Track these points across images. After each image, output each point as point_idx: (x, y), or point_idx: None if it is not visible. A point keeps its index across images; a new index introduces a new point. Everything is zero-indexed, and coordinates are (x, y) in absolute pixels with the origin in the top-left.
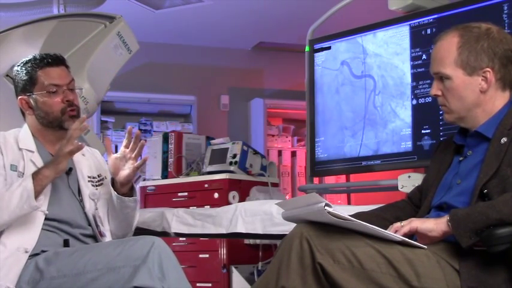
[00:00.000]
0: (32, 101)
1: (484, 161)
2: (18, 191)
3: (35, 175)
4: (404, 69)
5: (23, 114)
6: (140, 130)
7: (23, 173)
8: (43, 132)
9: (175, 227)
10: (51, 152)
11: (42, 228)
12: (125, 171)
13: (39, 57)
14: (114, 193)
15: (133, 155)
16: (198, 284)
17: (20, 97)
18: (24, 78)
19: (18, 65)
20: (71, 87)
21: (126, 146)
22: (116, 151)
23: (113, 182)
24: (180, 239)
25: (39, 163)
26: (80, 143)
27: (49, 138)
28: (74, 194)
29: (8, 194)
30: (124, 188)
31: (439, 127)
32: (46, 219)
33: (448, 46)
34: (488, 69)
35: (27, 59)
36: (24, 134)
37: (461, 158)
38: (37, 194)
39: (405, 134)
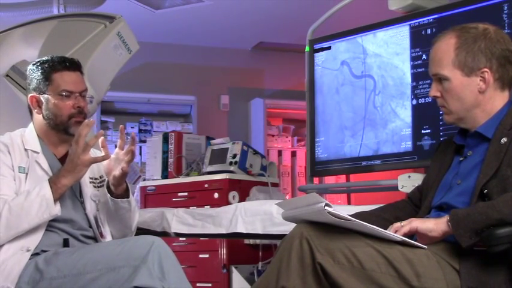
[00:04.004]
0: (43, 100)
1: (484, 161)
2: (37, 200)
3: (52, 183)
4: (404, 69)
5: (30, 112)
6: (140, 130)
7: (28, 173)
8: (48, 133)
9: (175, 227)
10: (54, 153)
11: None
12: (115, 173)
13: (58, 60)
14: (107, 195)
15: (126, 159)
16: (198, 284)
17: (31, 95)
18: (40, 77)
19: (34, 64)
20: (84, 94)
21: (120, 147)
22: None
23: (108, 184)
24: (180, 239)
25: (44, 164)
26: (107, 154)
27: (53, 139)
28: (76, 195)
29: (26, 203)
30: (118, 189)
31: (439, 127)
32: None
33: (446, 47)
34: (486, 69)
35: (45, 59)
36: (29, 134)
37: (461, 158)
38: (55, 202)
39: (405, 134)
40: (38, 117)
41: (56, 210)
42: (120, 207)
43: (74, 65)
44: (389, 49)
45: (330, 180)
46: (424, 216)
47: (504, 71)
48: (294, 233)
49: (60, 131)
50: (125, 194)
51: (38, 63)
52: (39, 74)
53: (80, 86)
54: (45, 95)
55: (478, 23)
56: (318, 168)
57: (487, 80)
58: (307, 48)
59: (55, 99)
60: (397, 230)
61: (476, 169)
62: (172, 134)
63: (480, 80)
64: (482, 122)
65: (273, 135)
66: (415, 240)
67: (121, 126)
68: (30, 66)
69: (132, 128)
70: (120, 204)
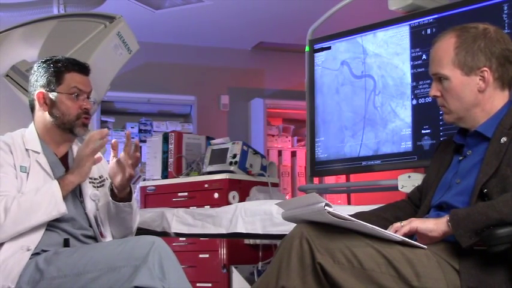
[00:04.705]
0: (52, 98)
1: (483, 161)
2: (47, 197)
3: (60, 181)
4: (404, 69)
5: (32, 110)
6: (140, 130)
7: (29, 173)
8: (51, 132)
9: (175, 227)
10: (55, 152)
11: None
12: (120, 178)
13: (72, 61)
14: (109, 198)
15: (130, 163)
16: (198, 284)
17: (39, 91)
18: (52, 75)
19: (44, 62)
20: (89, 95)
21: (126, 153)
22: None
23: (111, 187)
24: (180, 239)
25: (45, 164)
26: (99, 156)
27: (55, 138)
28: (76, 195)
29: (36, 198)
30: (122, 193)
31: (439, 127)
32: None
33: (446, 47)
34: (485, 68)
35: (58, 58)
36: (30, 135)
37: (461, 158)
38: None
39: (405, 134)
40: (42, 115)
41: (64, 208)
42: (122, 210)
43: (85, 69)
44: (390, 49)
45: (330, 180)
46: (423, 215)
47: (504, 71)
48: (294, 233)
49: (66, 129)
50: (128, 197)
51: (50, 62)
52: (51, 71)
53: (88, 87)
54: (55, 93)
55: (478, 23)
56: (318, 168)
57: (486, 79)
58: (307, 48)
59: (65, 97)
60: (397, 230)
61: (476, 168)
62: (172, 134)
63: (480, 79)
64: (482, 121)
65: (273, 135)
66: (415, 240)
67: (127, 132)
68: (40, 64)
69: (132, 128)
70: (122, 208)
